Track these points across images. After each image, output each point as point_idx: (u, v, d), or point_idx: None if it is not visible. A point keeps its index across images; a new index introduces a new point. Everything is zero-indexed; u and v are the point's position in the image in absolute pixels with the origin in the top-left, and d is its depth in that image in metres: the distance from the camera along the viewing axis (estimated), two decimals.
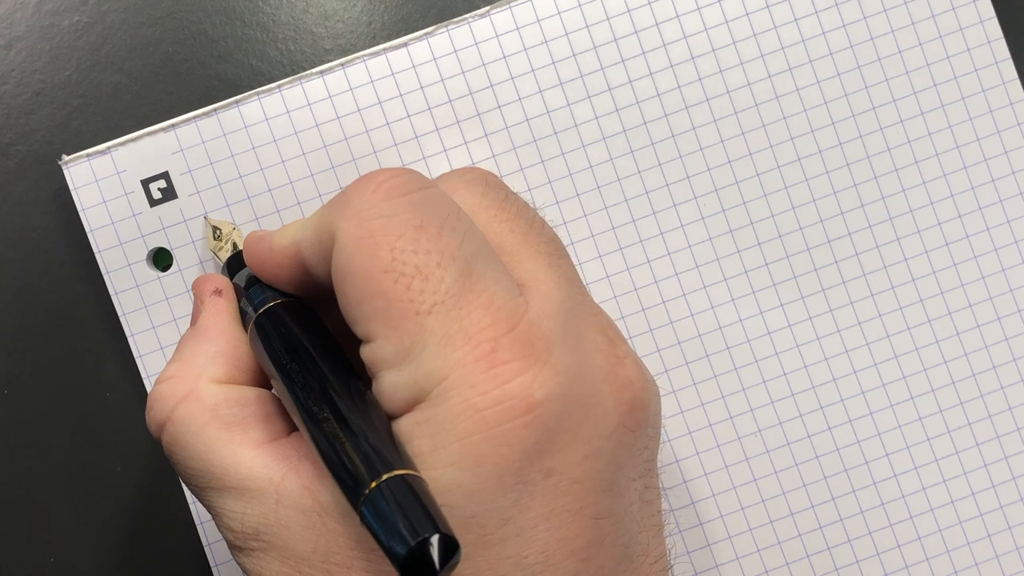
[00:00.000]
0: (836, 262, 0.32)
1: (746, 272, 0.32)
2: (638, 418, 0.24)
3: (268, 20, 0.33)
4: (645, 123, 0.32)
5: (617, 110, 0.32)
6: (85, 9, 0.33)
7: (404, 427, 0.22)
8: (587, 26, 0.32)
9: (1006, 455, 0.32)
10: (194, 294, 0.28)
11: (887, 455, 0.32)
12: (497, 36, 0.32)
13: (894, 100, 0.32)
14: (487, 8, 0.32)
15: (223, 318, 0.27)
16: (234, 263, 0.29)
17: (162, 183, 0.32)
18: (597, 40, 0.32)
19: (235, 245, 0.30)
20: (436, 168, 0.32)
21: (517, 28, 0.32)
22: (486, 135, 0.32)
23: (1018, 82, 0.32)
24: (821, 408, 0.32)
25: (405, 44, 0.32)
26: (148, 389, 0.32)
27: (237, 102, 0.31)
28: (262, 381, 0.26)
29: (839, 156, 0.32)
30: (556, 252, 0.25)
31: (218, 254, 0.31)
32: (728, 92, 0.32)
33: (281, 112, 0.31)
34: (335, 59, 0.32)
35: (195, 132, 0.31)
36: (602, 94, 0.32)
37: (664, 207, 0.32)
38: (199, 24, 0.33)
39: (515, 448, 0.22)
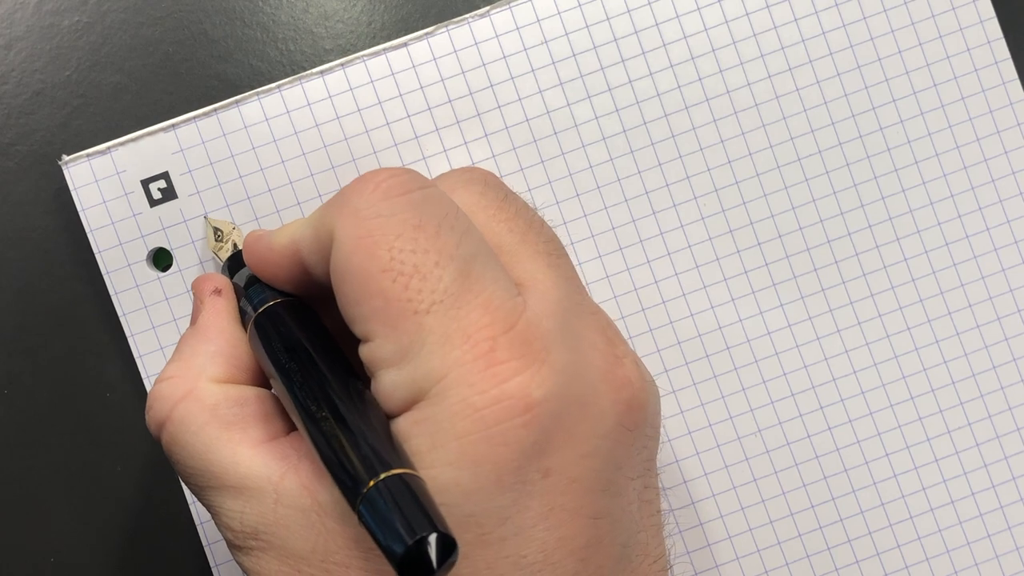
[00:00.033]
0: (836, 262, 0.32)
1: (746, 272, 0.32)
2: (636, 418, 0.24)
3: (268, 20, 0.33)
4: (645, 123, 0.32)
5: (617, 110, 0.32)
6: (85, 9, 0.33)
7: (402, 426, 0.22)
8: (587, 26, 0.32)
9: (1006, 455, 0.32)
10: (194, 294, 0.28)
11: (887, 455, 0.32)
12: (497, 36, 0.32)
13: (894, 100, 0.32)
14: (487, 8, 0.32)
15: (222, 318, 0.27)
16: (234, 263, 0.29)
17: (162, 183, 0.32)
18: (597, 40, 0.32)
19: (235, 245, 0.30)
20: (436, 168, 0.32)
21: (517, 28, 0.32)
22: (486, 135, 0.32)
23: (1018, 82, 0.32)
24: (821, 408, 0.32)
25: (405, 44, 0.32)
26: (148, 389, 0.32)
27: (237, 102, 0.31)
28: (261, 380, 0.26)
29: (839, 156, 0.32)
30: (555, 252, 0.25)
31: (218, 254, 0.31)
32: (728, 92, 0.32)
33: (281, 112, 0.32)
34: (335, 59, 0.32)
35: (195, 132, 0.31)
36: (602, 94, 0.32)
37: (664, 207, 0.32)
38: (199, 24, 0.33)
39: (513, 447, 0.22)
